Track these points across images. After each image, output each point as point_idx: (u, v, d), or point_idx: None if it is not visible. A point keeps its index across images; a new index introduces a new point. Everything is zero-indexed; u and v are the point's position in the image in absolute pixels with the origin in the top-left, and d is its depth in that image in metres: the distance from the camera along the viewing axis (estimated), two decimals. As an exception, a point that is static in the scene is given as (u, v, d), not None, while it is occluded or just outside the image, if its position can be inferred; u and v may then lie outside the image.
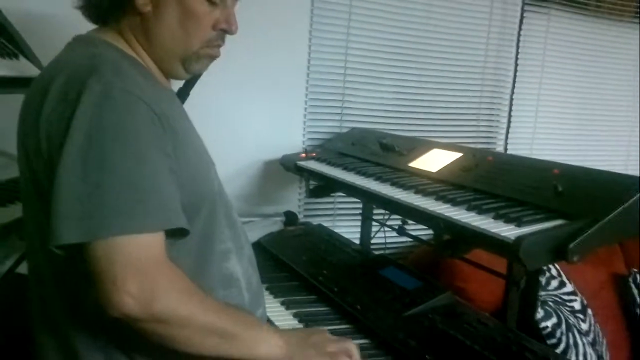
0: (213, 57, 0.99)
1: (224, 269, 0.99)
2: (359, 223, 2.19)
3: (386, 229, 2.08)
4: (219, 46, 0.98)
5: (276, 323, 1.36)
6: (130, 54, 0.93)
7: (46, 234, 0.77)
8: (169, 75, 1.00)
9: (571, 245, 1.06)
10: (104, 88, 0.78)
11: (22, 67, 1.42)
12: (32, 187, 0.87)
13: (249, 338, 0.88)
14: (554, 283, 2.13)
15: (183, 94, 1.39)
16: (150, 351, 0.89)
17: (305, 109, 2.29)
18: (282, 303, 1.47)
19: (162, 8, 0.91)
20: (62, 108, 0.79)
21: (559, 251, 1.08)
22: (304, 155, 2.08)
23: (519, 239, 1.06)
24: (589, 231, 1.08)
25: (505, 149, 2.70)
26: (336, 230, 2.17)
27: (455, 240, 1.32)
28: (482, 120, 2.67)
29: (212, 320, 0.84)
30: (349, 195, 2.09)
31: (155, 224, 0.78)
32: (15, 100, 0.98)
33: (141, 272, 0.76)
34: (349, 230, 2.33)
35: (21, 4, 1.63)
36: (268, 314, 1.38)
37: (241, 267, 1.02)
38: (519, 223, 1.15)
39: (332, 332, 1.30)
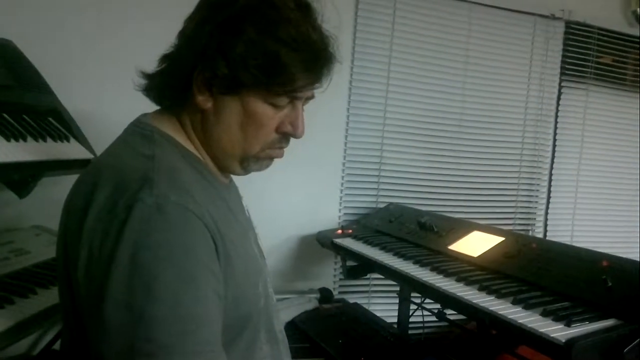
0: (274, 158, 0.92)
1: None
2: (395, 301, 2.14)
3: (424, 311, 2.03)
4: (282, 148, 0.90)
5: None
6: (188, 148, 0.88)
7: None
8: (225, 171, 0.93)
9: (626, 350, 1.03)
10: (157, 202, 0.72)
11: (72, 150, 1.48)
12: (65, 288, 0.81)
13: None
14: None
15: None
16: None
17: (342, 184, 2.31)
18: (320, 395, 1.43)
19: (223, 108, 0.84)
20: (108, 221, 0.71)
21: (613, 355, 1.04)
22: (340, 231, 2.08)
23: (570, 342, 1.02)
24: (645, 334, 1.04)
25: (545, 231, 2.63)
26: (372, 308, 2.13)
27: (501, 334, 1.27)
28: (521, 199, 2.62)
29: None
30: (388, 278, 2.05)
31: (203, 358, 0.70)
32: (68, 180, 0.92)
33: None
34: (386, 308, 2.28)
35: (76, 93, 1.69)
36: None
37: None
38: (569, 322, 1.11)
39: None
